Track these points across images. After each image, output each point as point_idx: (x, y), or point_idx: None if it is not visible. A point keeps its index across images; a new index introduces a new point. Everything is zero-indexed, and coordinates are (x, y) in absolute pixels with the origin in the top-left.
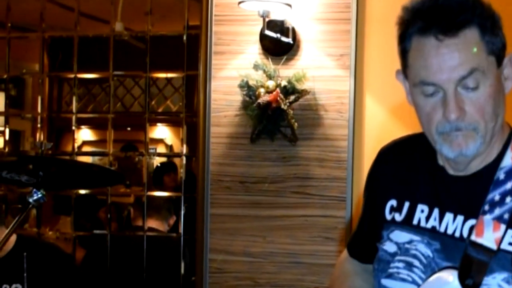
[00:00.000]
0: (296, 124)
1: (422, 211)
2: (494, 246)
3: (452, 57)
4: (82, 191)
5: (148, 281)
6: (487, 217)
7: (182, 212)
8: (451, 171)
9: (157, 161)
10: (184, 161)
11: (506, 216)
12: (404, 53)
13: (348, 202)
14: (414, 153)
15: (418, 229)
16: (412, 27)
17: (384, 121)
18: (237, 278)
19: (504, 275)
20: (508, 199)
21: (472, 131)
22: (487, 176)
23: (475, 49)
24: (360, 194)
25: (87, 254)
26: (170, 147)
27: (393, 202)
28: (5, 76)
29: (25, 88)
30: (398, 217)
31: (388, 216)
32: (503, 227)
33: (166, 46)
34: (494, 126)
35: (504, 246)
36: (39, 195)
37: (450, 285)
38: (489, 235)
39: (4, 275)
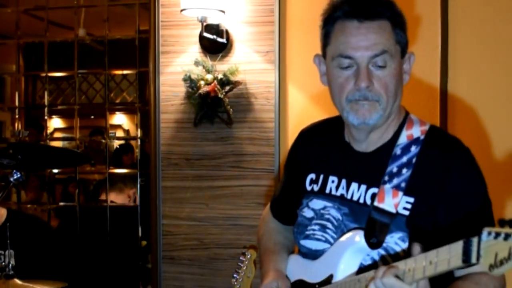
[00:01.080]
0: (231, 109)
1: (333, 181)
2: (393, 210)
3: (369, 38)
4: (55, 170)
5: (111, 243)
6: (387, 186)
7: (139, 186)
8: (356, 147)
9: (116, 143)
10: (139, 143)
11: (403, 185)
12: (327, 34)
13: (275, 174)
14: (327, 133)
15: (330, 197)
16: (338, 12)
17: (304, 105)
18: (185, 239)
19: (400, 234)
20: (404, 171)
21: (375, 102)
22: (385, 152)
23: (386, 34)
24: None
25: (61, 223)
26: (127, 132)
27: (312, 176)
28: None
29: (5, 86)
30: (316, 188)
31: (308, 187)
32: (400, 194)
33: (121, 48)
34: (393, 104)
35: (400, 210)
36: (18, 175)
37: (358, 244)
38: (389, 201)
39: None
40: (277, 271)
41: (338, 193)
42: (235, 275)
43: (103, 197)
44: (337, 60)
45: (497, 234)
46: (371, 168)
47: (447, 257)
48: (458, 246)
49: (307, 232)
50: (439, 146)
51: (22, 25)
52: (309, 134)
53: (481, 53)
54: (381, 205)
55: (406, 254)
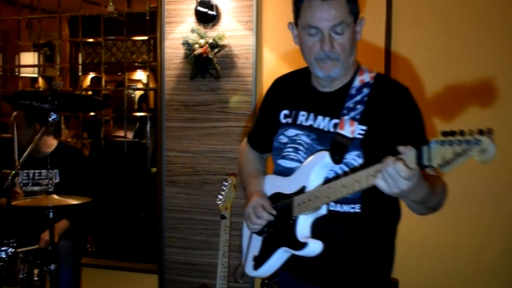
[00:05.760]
0: (219, 67)
1: (303, 115)
2: (350, 135)
3: (329, 12)
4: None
5: (128, 169)
6: (346, 118)
7: (148, 125)
8: (320, 89)
9: (138, 93)
10: (145, 93)
11: (357, 116)
12: (297, 10)
13: (252, 117)
14: (296, 80)
15: (301, 127)
16: None
17: (275, 63)
18: (183, 167)
19: (356, 152)
20: (358, 106)
21: (336, 60)
22: (343, 92)
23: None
24: None
25: (91, 152)
26: (146, 85)
27: (285, 112)
28: (41, 42)
29: (54, 49)
30: (289, 120)
31: (283, 121)
32: (355, 123)
33: (137, 19)
34: (349, 59)
35: (356, 135)
36: (54, 116)
37: (325, 160)
38: (347, 129)
39: (54, 163)
40: (258, 191)
41: (308, 124)
42: (219, 196)
43: (115, 133)
44: (306, 29)
45: (443, 142)
46: (332, 104)
47: (407, 158)
48: (411, 152)
49: (283, 153)
50: (385, 87)
51: (64, 2)
52: (281, 81)
53: (419, 19)
54: (341, 132)
55: (362, 167)
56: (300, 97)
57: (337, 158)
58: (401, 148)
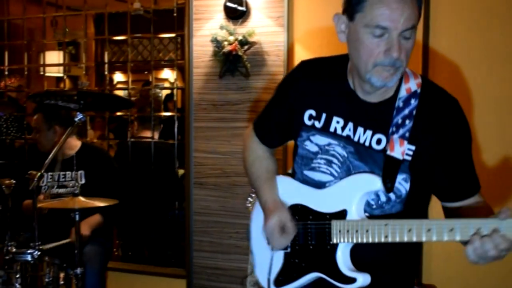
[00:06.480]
0: (248, 65)
1: (338, 122)
2: (400, 157)
3: (404, 12)
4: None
5: (155, 171)
6: (395, 136)
7: (176, 125)
8: (362, 97)
9: (164, 93)
10: (175, 91)
11: (406, 134)
12: (360, 2)
13: None
14: (329, 75)
15: (335, 135)
16: None
17: None
18: (212, 168)
19: (403, 176)
20: (407, 122)
21: (398, 69)
22: (389, 104)
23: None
24: None
25: (117, 153)
26: (173, 84)
27: (311, 112)
28: (66, 40)
29: (79, 48)
30: (318, 124)
31: (308, 122)
32: (405, 142)
33: (164, 16)
34: (405, 68)
35: (405, 156)
36: (81, 116)
37: (376, 186)
38: (397, 149)
39: (79, 164)
40: (275, 202)
41: (344, 134)
42: (249, 198)
43: (141, 134)
44: (371, 28)
45: None
46: (377, 117)
47: (505, 226)
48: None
49: (313, 165)
50: (433, 99)
51: (89, 0)
52: (311, 69)
53: (459, 12)
54: (392, 154)
55: (408, 193)
56: (334, 99)
57: (389, 185)
58: (502, 215)
